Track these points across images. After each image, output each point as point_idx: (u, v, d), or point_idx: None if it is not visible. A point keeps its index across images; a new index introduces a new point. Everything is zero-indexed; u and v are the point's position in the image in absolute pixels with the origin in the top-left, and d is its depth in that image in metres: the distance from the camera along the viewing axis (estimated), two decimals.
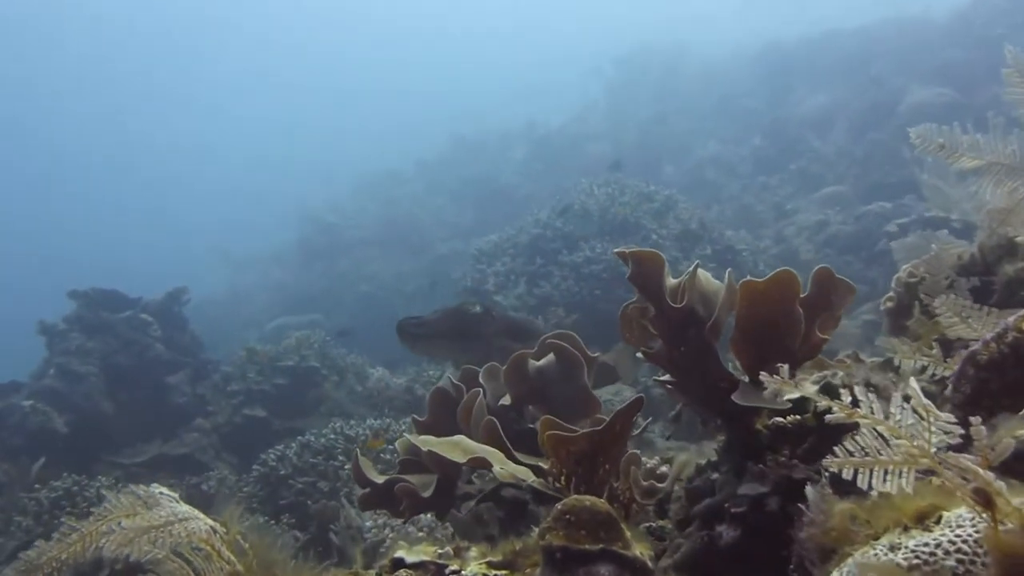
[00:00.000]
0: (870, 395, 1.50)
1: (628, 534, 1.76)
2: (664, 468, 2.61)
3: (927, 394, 1.46)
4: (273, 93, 47.83)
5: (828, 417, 1.54)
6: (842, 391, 2.36)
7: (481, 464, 2.27)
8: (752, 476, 2.06)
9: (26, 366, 9.63)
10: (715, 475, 2.31)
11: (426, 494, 2.69)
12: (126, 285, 10.28)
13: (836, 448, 1.94)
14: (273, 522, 5.99)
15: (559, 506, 1.73)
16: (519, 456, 2.73)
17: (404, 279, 17.26)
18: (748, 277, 2.07)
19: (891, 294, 3.49)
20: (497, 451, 2.37)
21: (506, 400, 2.95)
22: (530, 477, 2.30)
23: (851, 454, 1.68)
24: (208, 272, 24.53)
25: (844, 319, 9.60)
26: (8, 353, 15.52)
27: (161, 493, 1.81)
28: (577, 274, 9.29)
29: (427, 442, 2.32)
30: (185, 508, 1.79)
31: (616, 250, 2.16)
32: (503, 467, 2.25)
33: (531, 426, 3.04)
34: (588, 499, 1.75)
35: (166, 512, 1.74)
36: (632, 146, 18.70)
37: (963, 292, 2.84)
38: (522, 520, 2.61)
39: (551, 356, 2.93)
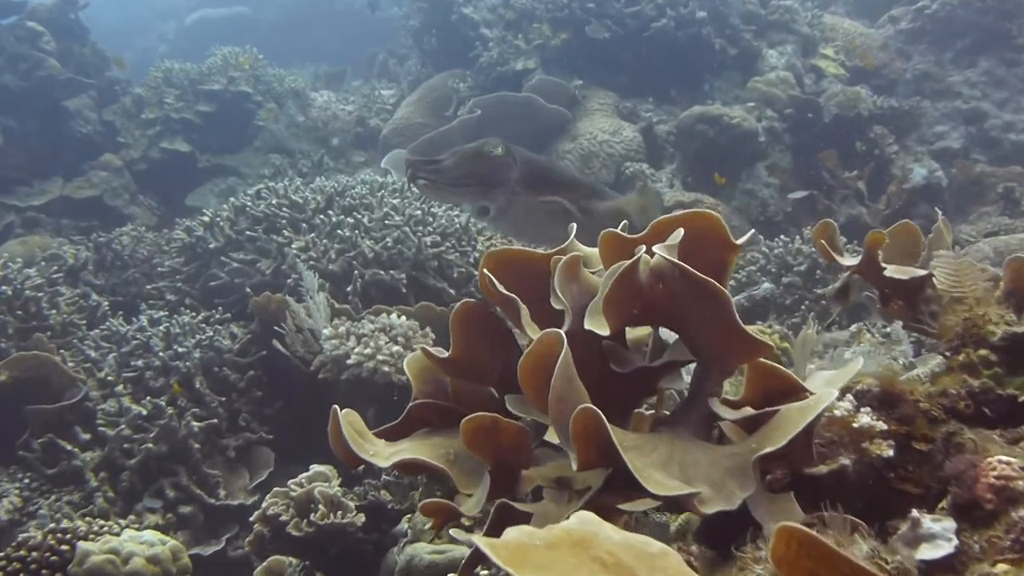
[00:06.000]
0: None
1: None
2: None
3: None
4: None
5: None
6: None
7: None
8: None
9: None
10: None
11: (472, 509, 1.46)
12: None
13: None
14: (201, 316, 4.79)
15: None
16: (642, 463, 1.49)
17: None
18: None
19: None
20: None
21: (602, 327, 1.58)
22: None
23: None
24: None
25: (868, 28, 8.09)
26: None
27: None
28: None
29: (511, 557, 1.02)
30: None
31: None
32: None
33: (646, 365, 1.73)
34: None
35: None
36: None
37: None
38: None
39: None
